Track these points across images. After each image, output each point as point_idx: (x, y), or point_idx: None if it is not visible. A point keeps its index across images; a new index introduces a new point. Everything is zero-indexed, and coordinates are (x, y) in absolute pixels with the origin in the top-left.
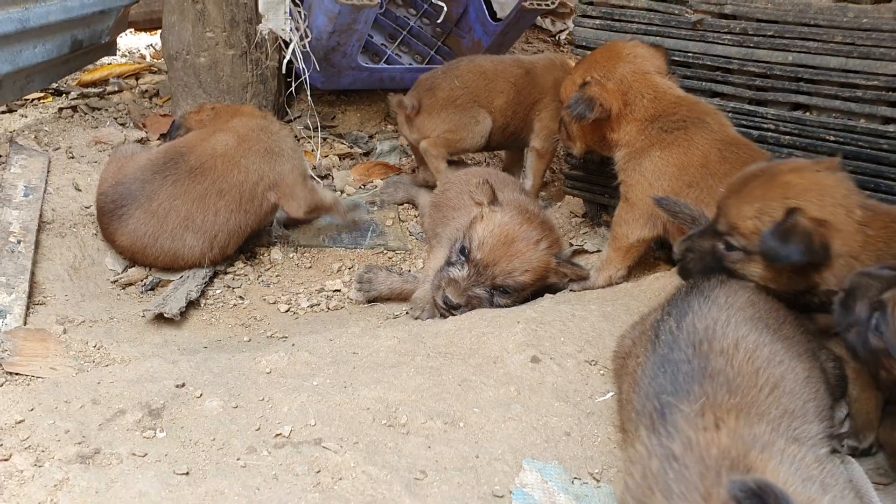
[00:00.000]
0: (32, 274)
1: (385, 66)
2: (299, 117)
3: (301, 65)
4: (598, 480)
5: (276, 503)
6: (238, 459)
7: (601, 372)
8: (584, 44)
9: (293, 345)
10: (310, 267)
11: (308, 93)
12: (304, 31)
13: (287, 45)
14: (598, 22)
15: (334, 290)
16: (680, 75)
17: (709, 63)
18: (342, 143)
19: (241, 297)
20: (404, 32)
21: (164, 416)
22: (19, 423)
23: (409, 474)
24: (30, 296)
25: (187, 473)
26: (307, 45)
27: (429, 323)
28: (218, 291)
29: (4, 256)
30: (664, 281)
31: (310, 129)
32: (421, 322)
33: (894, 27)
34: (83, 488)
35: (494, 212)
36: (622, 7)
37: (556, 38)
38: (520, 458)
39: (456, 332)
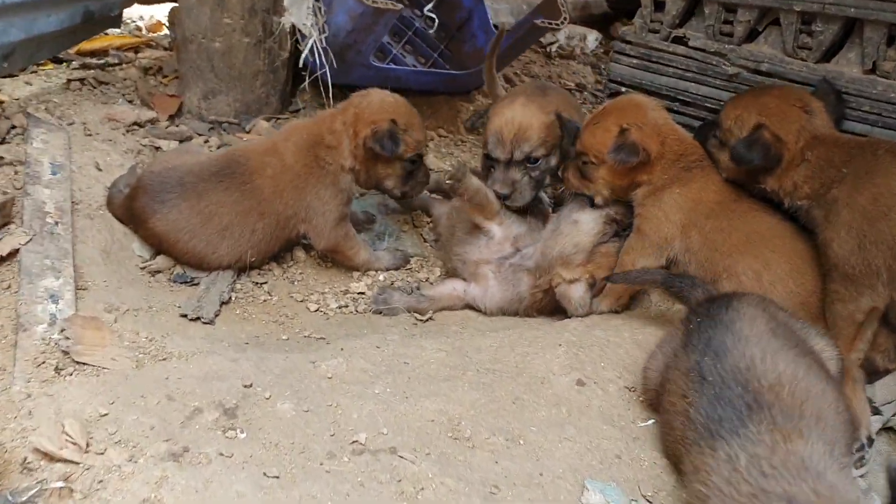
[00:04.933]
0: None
1: (393, 66)
2: (304, 108)
3: (319, 60)
4: (650, 503)
5: None
6: (321, 464)
7: (640, 398)
8: (618, 80)
9: (342, 349)
10: (331, 266)
11: (329, 90)
12: (322, 26)
13: (304, 38)
14: (634, 61)
15: (359, 293)
16: None
17: None
18: None
19: (269, 293)
20: (409, 33)
21: (239, 416)
22: (104, 416)
23: (483, 488)
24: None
25: (277, 477)
26: (323, 40)
27: (468, 336)
28: (246, 286)
29: (45, 238)
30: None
31: None
32: (460, 334)
33: None
34: (183, 486)
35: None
36: (660, 51)
37: (547, 49)
38: (580, 478)
39: (498, 349)
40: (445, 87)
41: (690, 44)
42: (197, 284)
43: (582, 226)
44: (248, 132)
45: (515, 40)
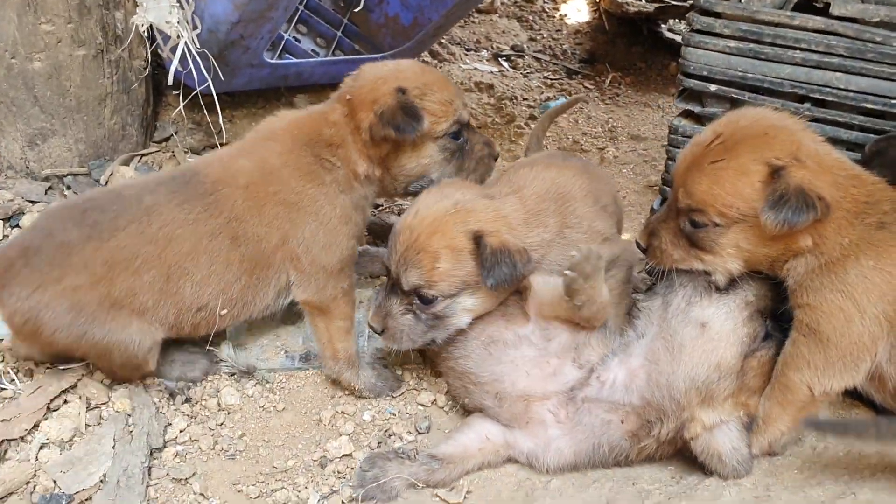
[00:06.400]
0: None
1: (291, 59)
2: (178, 133)
3: (196, 70)
4: None
5: None
6: None
7: None
8: (703, 73)
9: None
10: (283, 409)
11: (220, 114)
12: (192, 20)
13: (166, 39)
14: (731, 44)
15: (342, 456)
16: (872, 130)
17: None
18: None
19: (202, 493)
20: (301, 7)
21: None
22: None
23: None
24: None
25: None
26: (196, 40)
27: None
28: (163, 488)
29: None
30: None
31: (194, 150)
32: None
33: None
34: None
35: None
36: (777, 25)
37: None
38: None
39: None
40: None
41: (833, 11)
42: None
43: (715, 330)
44: (104, 185)
45: (455, 5)
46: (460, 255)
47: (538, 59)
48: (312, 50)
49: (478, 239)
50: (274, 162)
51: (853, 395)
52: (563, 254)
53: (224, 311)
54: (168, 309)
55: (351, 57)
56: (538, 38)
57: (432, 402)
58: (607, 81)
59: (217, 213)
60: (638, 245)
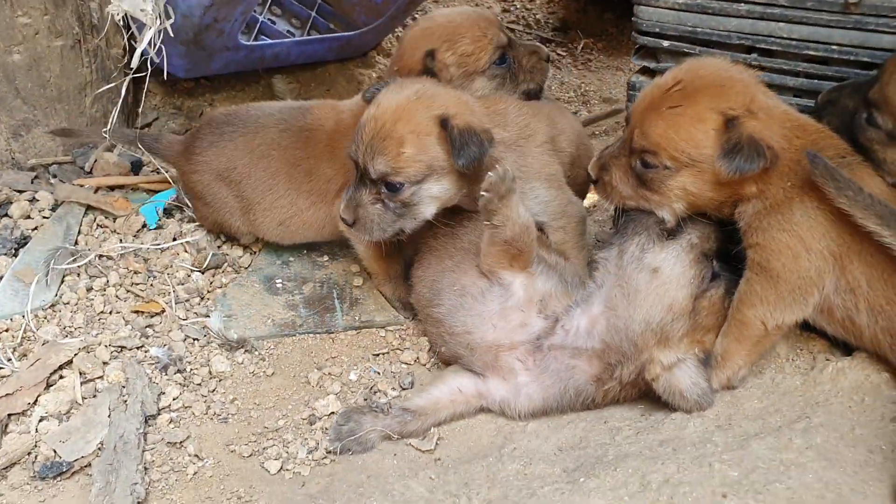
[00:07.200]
0: None
1: (268, 41)
2: (156, 120)
3: (168, 54)
4: None
5: None
6: None
7: None
8: (654, 31)
9: None
10: (273, 373)
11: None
12: (165, 8)
13: (142, 28)
14: (681, 1)
15: (330, 413)
16: (816, 75)
17: (865, 60)
18: None
19: (196, 455)
20: None
21: None
22: None
23: None
24: None
25: None
26: (170, 26)
27: (550, 493)
28: (159, 451)
29: None
30: (854, 377)
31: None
32: (528, 484)
33: None
34: None
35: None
36: None
37: None
38: None
39: None
40: (338, 55)
41: None
42: (78, 472)
43: (666, 274)
44: (89, 172)
45: None
46: (426, 139)
47: (512, 30)
48: (288, 31)
49: (444, 122)
50: (349, 122)
51: (809, 328)
52: (517, 167)
53: (307, 232)
54: (254, 216)
55: (326, 35)
56: (511, 8)
57: (415, 361)
58: (580, 48)
59: (304, 145)
60: (588, 176)
